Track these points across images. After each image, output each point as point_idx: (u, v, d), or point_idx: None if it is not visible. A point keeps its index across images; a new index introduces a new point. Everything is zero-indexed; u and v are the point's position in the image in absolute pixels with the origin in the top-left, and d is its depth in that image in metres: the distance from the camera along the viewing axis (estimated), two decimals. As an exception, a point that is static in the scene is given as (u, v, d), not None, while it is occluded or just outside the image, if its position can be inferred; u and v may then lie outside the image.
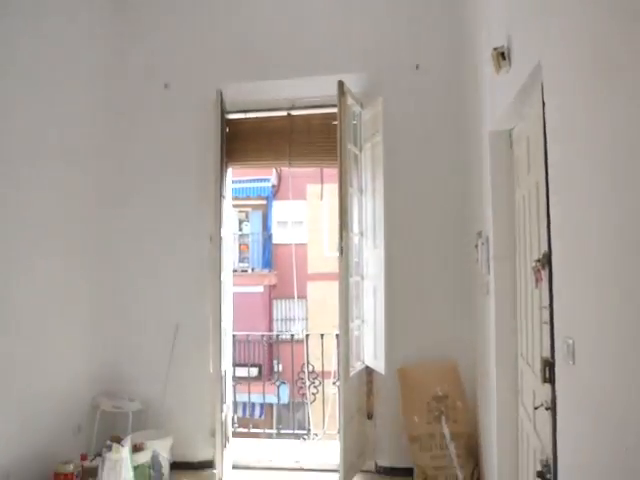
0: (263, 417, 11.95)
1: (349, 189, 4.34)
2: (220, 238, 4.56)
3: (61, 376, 4.35)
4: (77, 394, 4.51)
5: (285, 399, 11.21)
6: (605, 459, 1.65)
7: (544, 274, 2.37)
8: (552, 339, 2.22)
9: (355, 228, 4.66)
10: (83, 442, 4.51)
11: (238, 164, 5.30)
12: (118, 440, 3.84)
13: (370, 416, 4.61)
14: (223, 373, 4.52)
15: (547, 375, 2.31)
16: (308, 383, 5.32)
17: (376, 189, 4.55)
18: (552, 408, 2.27)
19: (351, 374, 4.27)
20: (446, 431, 4.18)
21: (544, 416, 2.46)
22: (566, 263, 2.02)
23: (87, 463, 4.21)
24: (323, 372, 5.31)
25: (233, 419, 5.34)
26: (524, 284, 2.98)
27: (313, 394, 5.32)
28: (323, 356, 5.42)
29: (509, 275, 3.27)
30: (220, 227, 4.59)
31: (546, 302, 2.29)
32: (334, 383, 4.35)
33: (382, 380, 4.52)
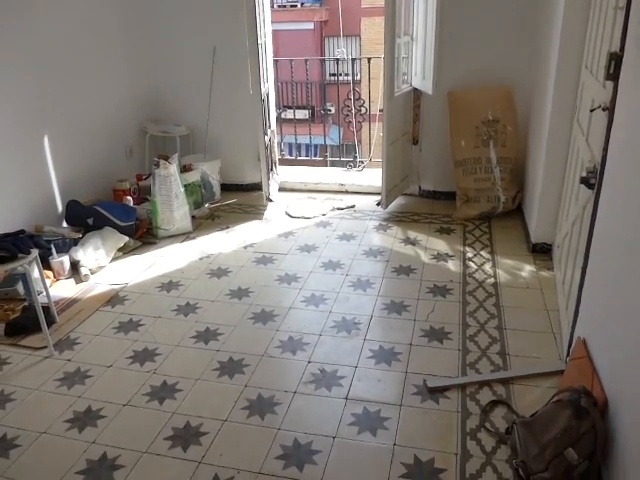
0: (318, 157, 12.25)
1: None
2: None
3: (109, 105, 4.37)
4: (125, 120, 4.57)
5: (336, 141, 11.32)
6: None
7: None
8: (625, 27, 1.94)
9: None
10: (136, 164, 4.73)
11: None
12: (165, 158, 3.96)
13: (416, 141, 4.52)
14: (265, 96, 4.39)
15: (611, 70, 2.07)
16: (354, 111, 5.17)
17: None
18: (610, 109, 2.09)
19: (396, 94, 4.05)
20: (493, 155, 4.07)
21: (600, 118, 2.28)
22: None
23: (142, 182, 4.47)
24: (370, 99, 5.10)
25: (280, 146, 5.41)
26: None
27: (359, 122, 5.20)
28: (371, 84, 5.14)
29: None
30: None
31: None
32: (382, 110, 4.17)
33: (430, 105, 4.30)
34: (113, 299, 3.27)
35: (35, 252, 2.66)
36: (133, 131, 4.69)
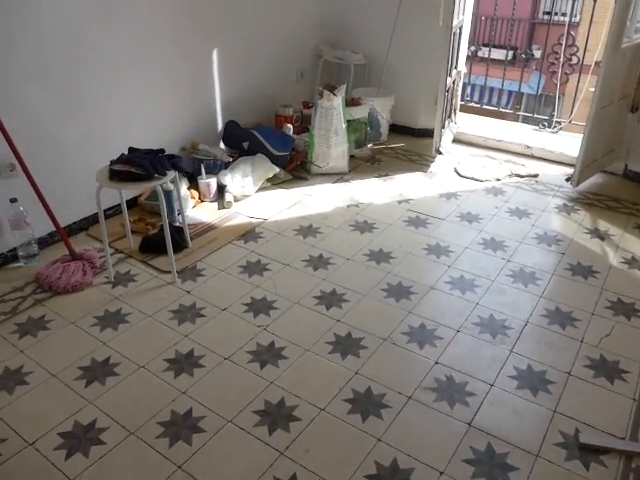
0: (510, 107, 11.03)
1: None
2: None
3: (288, 22, 4.06)
4: (302, 41, 4.26)
5: (535, 90, 9.98)
6: None
7: None
8: None
9: None
10: (305, 90, 4.44)
11: None
12: (332, 89, 3.59)
13: (635, 109, 3.59)
14: (456, 30, 3.75)
15: None
16: (563, 59, 4.27)
17: None
18: None
19: (624, 45, 3.16)
20: None
21: None
22: None
23: (307, 110, 4.18)
24: (586, 47, 4.14)
25: (465, 90, 4.74)
26: None
27: (566, 74, 4.30)
28: (591, 29, 4.16)
29: None
30: None
31: None
32: (599, 63, 3.32)
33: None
34: (248, 234, 3.09)
35: (171, 175, 2.52)
36: (307, 54, 4.37)
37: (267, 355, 2.21)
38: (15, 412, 1.96)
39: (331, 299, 2.55)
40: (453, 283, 2.67)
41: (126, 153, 2.55)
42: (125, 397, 2.03)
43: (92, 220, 3.10)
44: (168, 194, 3.08)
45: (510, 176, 3.82)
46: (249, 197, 3.48)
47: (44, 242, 2.91)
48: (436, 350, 2.23)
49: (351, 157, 3.92)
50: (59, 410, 1.97)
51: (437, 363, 2.17)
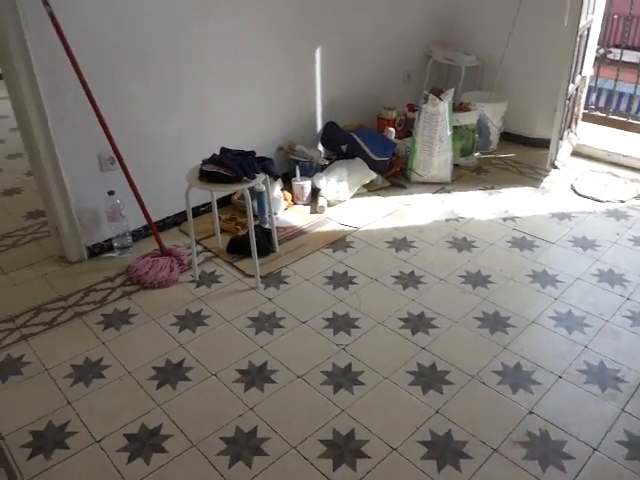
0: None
1: None
2: None
3: (397, 21, 3.86)
4: (411, 40, 4.04)
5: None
6: None
7: None
8: None
9: None
10: (411, 92, 4.22)
11: None
12: (438, 93, 3.36)
13: None
14: (583, 31, 3.37)
15: None
16: None
17: None
18: None
19: None
20: None
21: None
22: None
23: (411, 114, 3.97)
24: None
25: (588, 98, 4.29)
26: None
27: None
28: None
29: None
30: None
31: None
32: None
33: None
34: (338, 242, 2.96)
35: (260, 178, 2.44)
36: (416, 54, 4.15)
37: (342, 378, 2.07)
38: (88, 405, 1.97)
39: (418, 323, 2.35)
40: (559, 319, 2.37)
41: (218, 153, 2.51)
42: (193, 405, 1.98)
43: (185, 216, 3.10)
44: (260, 195, 3.02)
45: (637, 198, 3.38)
46: (343, 203, 3.35)
47: (138, 234, 2.96)
48: (532, 397, 1.97)
49: (455, 166, 3.67)
50: (129, 409, 1.95)
51: (531, 413, 1.91)
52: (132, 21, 2.57)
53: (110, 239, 2.87)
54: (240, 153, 2.47)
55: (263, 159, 2.50)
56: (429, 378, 2.06)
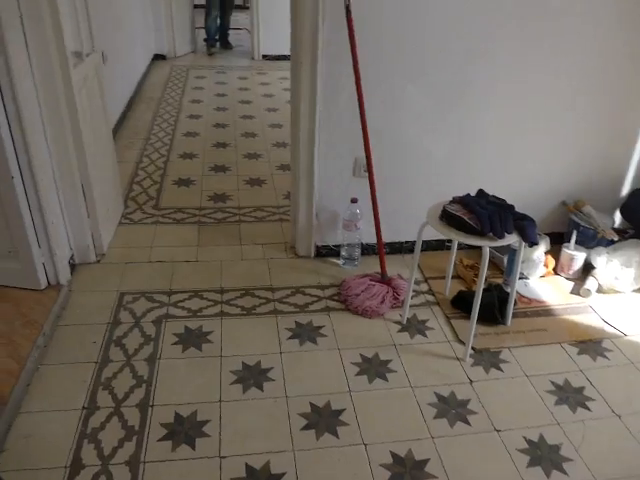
0: None
1: None
2: None
3: None
4: None
5: None
6: None
7: None
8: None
9: None
10: None
11: None
12: None
13: None
14: None
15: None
16: None
17: None
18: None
19: None
20: None
21: None
22: None
23: None
24: None
25: None
26: None
27: None
28: None
29: None
30: None
31: None
32: None
33: None
34: (590, 344, 2.29)
35: (509, 240, 1.97)
36: None
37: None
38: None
39: (657, 510, 1.64)
40: None
41: (472, 194, 2.11)
42: None
43: (425, 246, 2.79)
44: (514, 252, 2.52)
45: None
46: (619, 294, 2.60)
47: (370, 249, 2.76)
48: None
49: None
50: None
51: None
52: (430, 26, 2.31)
53: (339, 245, 2.74)
54: (497, 202, 2.03)
55: (524, 217, 2.01)
56: None
